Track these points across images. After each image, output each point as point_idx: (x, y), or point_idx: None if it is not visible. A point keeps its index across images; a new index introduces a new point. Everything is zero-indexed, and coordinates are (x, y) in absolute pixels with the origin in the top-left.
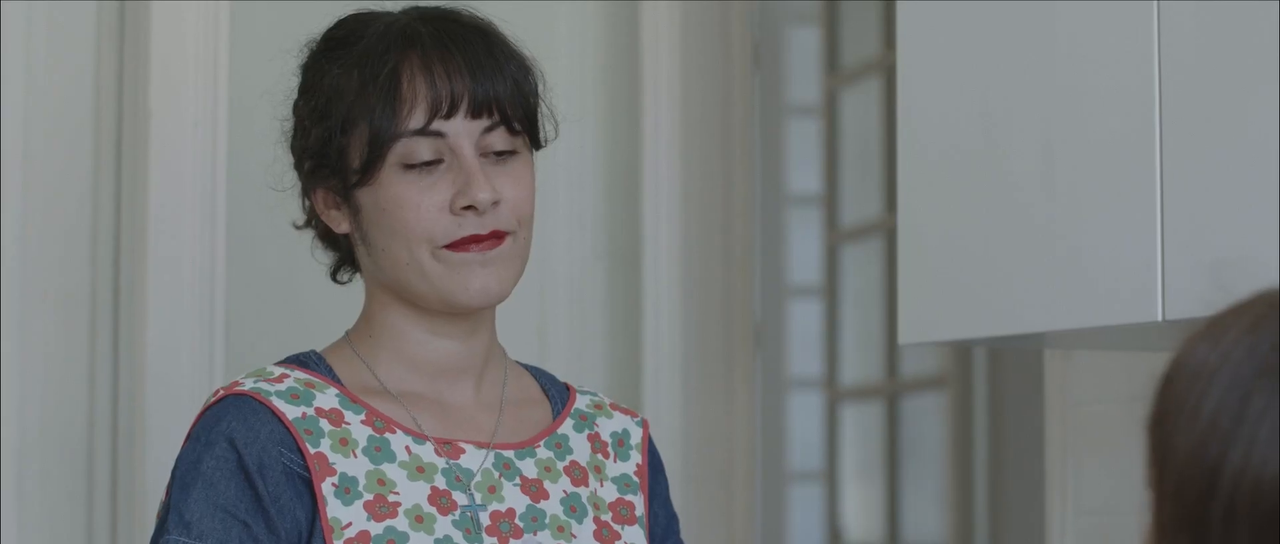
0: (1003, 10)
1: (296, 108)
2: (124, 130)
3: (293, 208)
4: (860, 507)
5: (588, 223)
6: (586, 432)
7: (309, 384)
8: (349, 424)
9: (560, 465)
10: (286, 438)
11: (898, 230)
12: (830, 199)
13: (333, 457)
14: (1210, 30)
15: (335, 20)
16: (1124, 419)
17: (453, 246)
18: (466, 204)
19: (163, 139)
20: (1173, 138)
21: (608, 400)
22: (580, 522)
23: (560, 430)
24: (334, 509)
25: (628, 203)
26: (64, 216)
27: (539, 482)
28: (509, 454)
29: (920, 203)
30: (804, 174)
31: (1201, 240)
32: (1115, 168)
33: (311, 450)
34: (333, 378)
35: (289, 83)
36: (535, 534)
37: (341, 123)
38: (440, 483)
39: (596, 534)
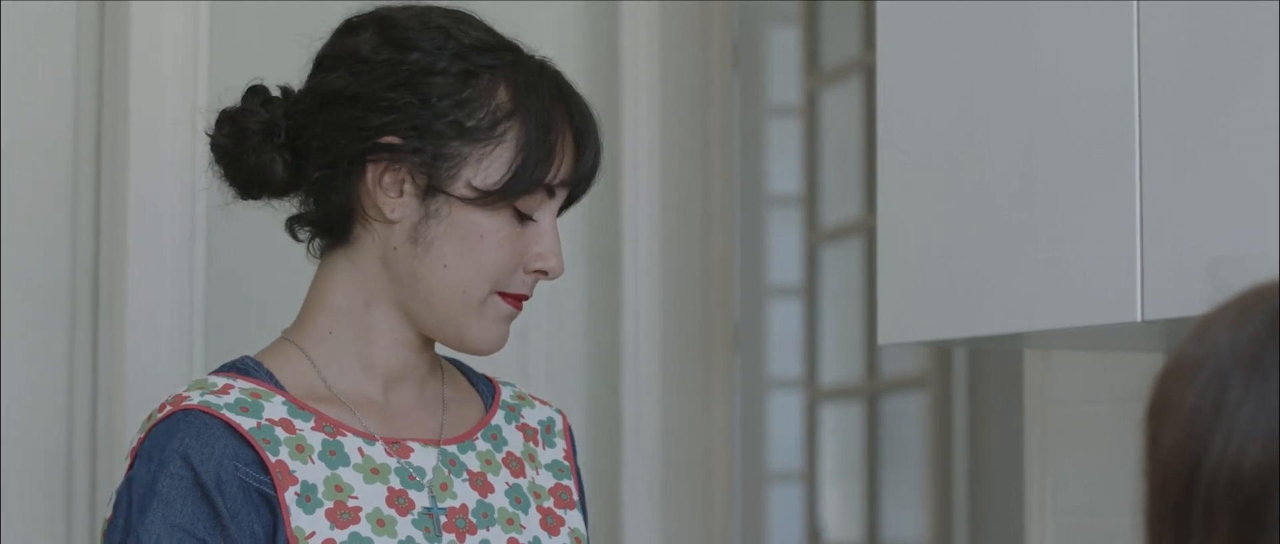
0: (982, 11)
1: (374, 69)
2: (104, 129)
3: (281, 232)
4: (840, 507)
5: (567, 222)
6: (516, 422)
7: (254, 394)
8: (301, 431)
9: (499, 457)
10: (242, 450)
11: (877, 231)
12: (810, 199)
13: (292, 464)
14: (1190, 31)
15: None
16: (1103, 419)
17: (504, 296)
18: (542, 268)
19: (142, 138)
20: (1152, 138)
21: (526, 391)
22: (526, 512)
23: (494, 422)
24: (297, 518)
25: (607, 203)
26: (43, 216)
27: (483, 475)
28: (452, 449)
29: (900, 203)
30: (784, 174)
31: (1181, 241)
32: (1094, 168)
33: (272, 459)
34: (275, 385)
35: (271, 78)
36: (488, 530)
37: (474, 129)
38: (395, 483)
39: (542, 523)
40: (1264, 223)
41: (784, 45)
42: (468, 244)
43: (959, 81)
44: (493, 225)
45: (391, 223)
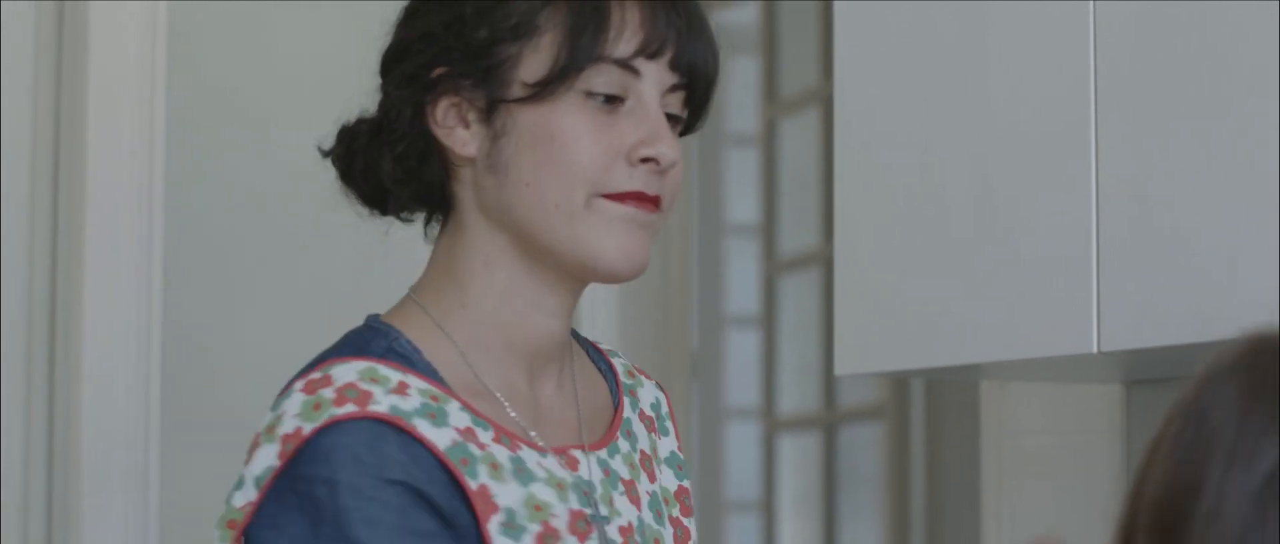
0: (939, 42)
1: (419, 9)
2: (61, 158)
3: (235, 241)
4: (797, 537)
5: None
6: (636, 409)
7: (433, 397)
8: (487, 447)
9: (636, 459)
10: (437, 473)
11: (834, 261)
12: (768, 228)
13: (494, 487)
14: (1145, 65)
15: None
16: (1060, 450)
17: (614, 197)
18: (649, 156)
19: (101, 139)
20: (1108, 170)
21: (631, 363)
22: (664, 525)
23: (625, 415)
24: None
25: None
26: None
27: (632, 482)
28: (604, 455)
29: (857, 234)
30: (742, 203)
31: (1136, 273)
32: (1051, 199)
33: (473, 486)
34: (439, 381)
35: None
36: None
37: (515, 26)
38: (574, 502)
39: (674, 539)
40: (1219, 257)
41: (743, 74)
42: (542, 150)
43: (917, 112)
44: (564, 121)
45: (470, 160)
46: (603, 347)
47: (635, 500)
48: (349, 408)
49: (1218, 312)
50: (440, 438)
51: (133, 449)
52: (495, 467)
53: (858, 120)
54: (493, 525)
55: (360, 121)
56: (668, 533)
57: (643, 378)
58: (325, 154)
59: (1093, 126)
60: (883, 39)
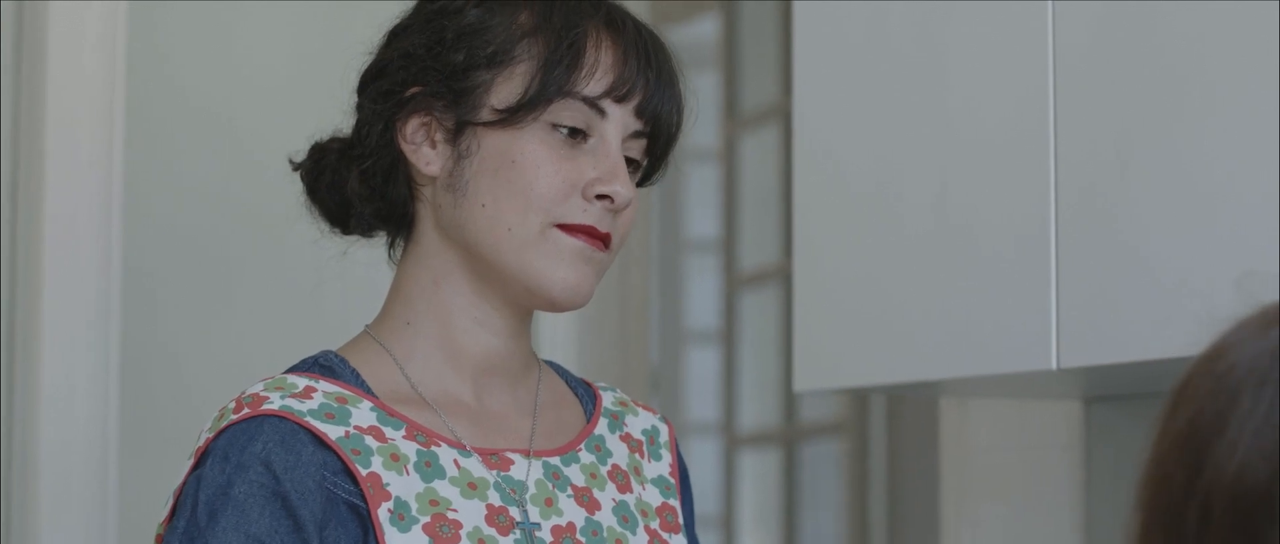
0: (899, 58)
1: (402, 32)
2: (19, 162)
3: (197, 247)
4: None
5: None
6: (619, 432)
7: (340, 398)
8: (392, 440)
9: (603, 471)
10: (331, 460)
11: (793, 276)
12: (728, 244)
13: (386, 476)
14: (1105, 80)
15: None
16: (1019, 466)
17: (566, 228)
18: (604, 193)
19: (57, 170)
20: (1066, 186)
21: (628, 397)
22: (634, 532)
23: (597, 432)
24: (392, 538)
25: None
26: None
27: (588, 491)
28: (555, 461)
29: (817, 249)
30: (702, 219)
31: (1095, 289)
32: (1010, 215)
33: (363, 472)
34: (363, 387)
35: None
36: None
37: (493, 53)
38: (495, 499)
39: None
40: (1178, 273)
41: (702, 90)
42: (501, 174)
43: (875, 128)
44: (526, 147)
45: (432, 179)
46: (598, 384)
47: (589, 505)
48: (243, 412)
49: (1176, 328)
50: (332, 431)
51: (91, 459)
52: (396, 458)
53: (817, 136)
54: (381, 512)
55: (333, 139)
56: (638, 539)
57: (639, 409)
58: (296, 167)
59: (1052, 143)
60: (842, 54)
